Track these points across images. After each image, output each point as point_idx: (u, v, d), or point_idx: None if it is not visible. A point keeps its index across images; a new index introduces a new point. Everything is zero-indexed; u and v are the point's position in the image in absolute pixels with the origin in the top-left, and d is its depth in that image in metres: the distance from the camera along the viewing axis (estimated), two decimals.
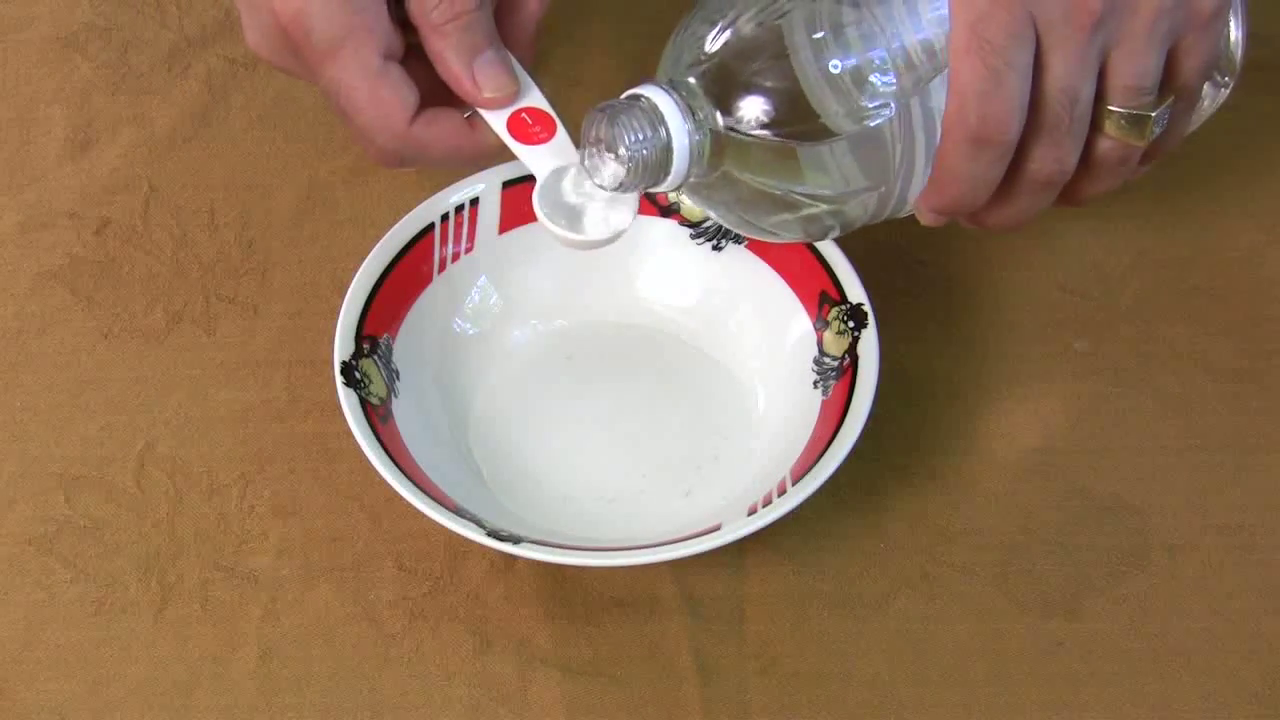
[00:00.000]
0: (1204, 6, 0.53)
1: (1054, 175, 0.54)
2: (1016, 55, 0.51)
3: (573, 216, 0.56)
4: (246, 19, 0.56)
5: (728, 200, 0.56)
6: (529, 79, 0.58)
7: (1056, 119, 0.53)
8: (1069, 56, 0.52)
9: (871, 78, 0.52)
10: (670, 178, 0.53)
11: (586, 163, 0.54)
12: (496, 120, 0.57)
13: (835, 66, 0.52)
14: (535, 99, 0.58)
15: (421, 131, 0.56)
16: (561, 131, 0.57)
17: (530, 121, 0.57)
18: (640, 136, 0.52)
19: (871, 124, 0.52)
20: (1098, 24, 0.51)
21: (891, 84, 0.52)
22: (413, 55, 0.57)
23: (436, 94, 0.57)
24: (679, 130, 0.52)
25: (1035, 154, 0.53)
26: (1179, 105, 0.55)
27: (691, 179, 0.54)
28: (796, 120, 0.52)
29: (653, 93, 0.53)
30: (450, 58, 0.56)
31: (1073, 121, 0.53)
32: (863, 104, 0.52)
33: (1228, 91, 0.61)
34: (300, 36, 0.54)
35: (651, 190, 0.54)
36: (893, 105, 0.52)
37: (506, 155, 0.58)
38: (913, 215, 0.57)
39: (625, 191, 0.54)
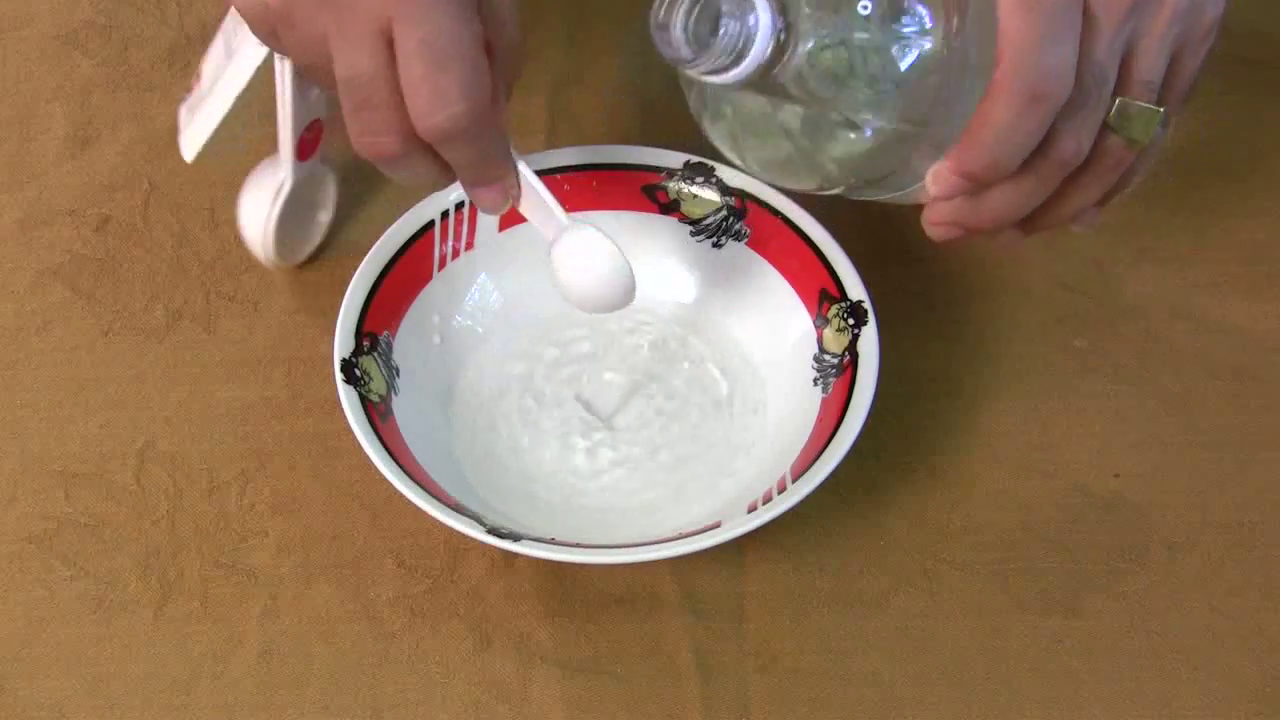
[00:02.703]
0: (1205, 20, 0.54)
1: (1071, 158, 0.54)
2: (1073, 15, 0.52)
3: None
4: None
5: (752, 124, 0.55)
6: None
7: (1087, 95, 0.53)
8: (1107, 33, 0.52)
9: (904, 19, 0.52)
10: (744, 64, 0.52)
11: (659, 31, 0.53)
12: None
13: (865, 8, 0.52)
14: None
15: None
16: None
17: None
18: (732, 7, 0.52)
19: (901, 63, 0.52)
20: (1133, 9, 0.52)
21: (922, 25, 0.52)
22: None
23: None
24: (766, 17, 0.52)
25: (1063, 129, 0.53)
26: (1164, 119, 0.56)
27: (752, 76, 0.53)
28: (830, 49, 0.52)
29: None
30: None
31: (1099, 102, 0.53)
32: (896, 38, 0.52)
33: (1152, 163, 0.62)
34: None
35: (712, 76, 0.53)
36: (926, 43, 0.52)
37: None
38: (917, 222, 0.57)
39: (691, 68, 0.53)
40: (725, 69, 0.53)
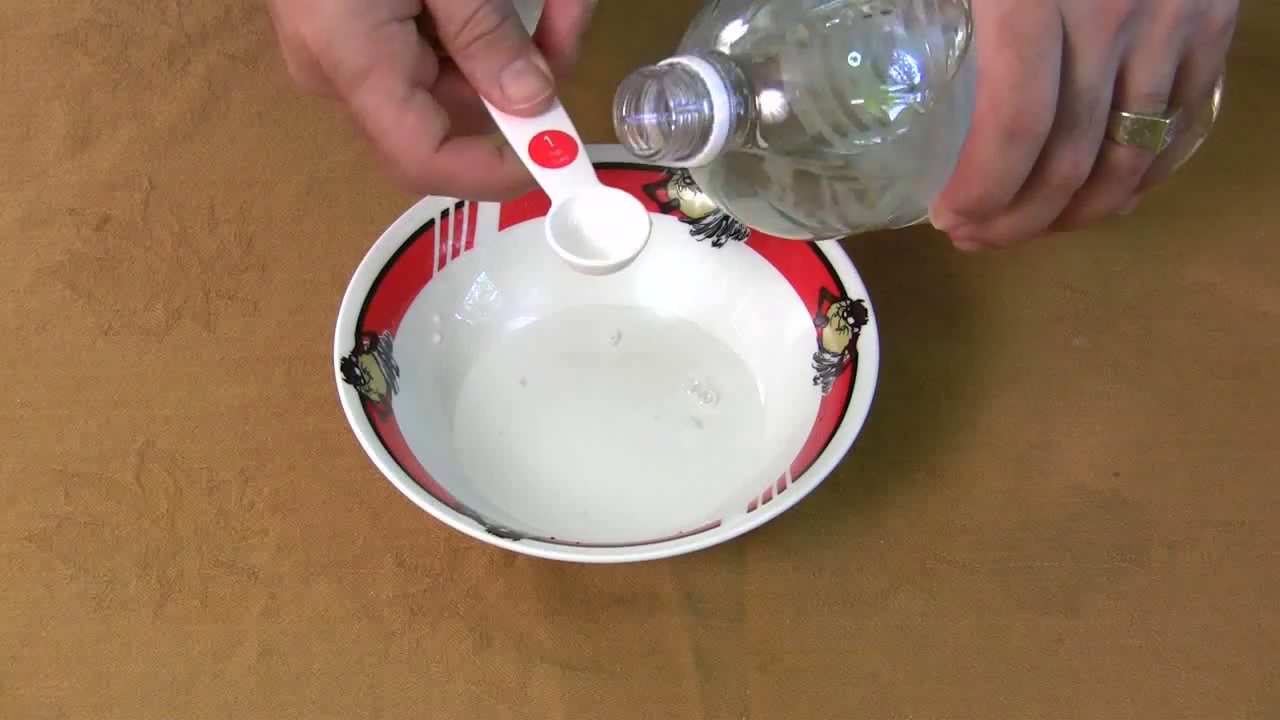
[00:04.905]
0: (1216, 20, 0.54)
1: (1070, 179, 0.54)
2: (1049, 48, 0.51)
3: (585, 242, 0.55)
4: (286, 53, 0.55)
5: (743, 185, 0.55)
6: (556, 101, 0.57)
7: (1077, 118, 0.52)
8: (1094, 56, 0.52)
9: (891, 71, 0.52)
10: (707, 148, 0.52)
11: (621, 127, 0.53)
12: (519, 138, 0.56)
13: (855, 59, 0.51)
14: (559, 121, 0.57)
15: (447, 160, 0.55)
16: (582, 155, 0.56)
17: (552, 145, 0.56)
18: (684, 101, 0.51)
19: (892, 114, 0.52)
20: (1123, 25, 0.52)
21: (911, 78, 0.52)
22: (447, 78, 0.57)
23: (470, 122, 0.57)
24: (721, 100, 0.51)
25: (1056, 154, 0.53)
26: (1181, 121, 0.55)
27: (721, 153, 0.53)
28: (816, 109, 0.52)
29: (693, 62, 0.52)
30: (480, 76, 0.55)
31: (1092, 123, 0.53)
32: (886, 93, 0.52)
33: (1200, 142, 0.61)
34: (331, 67, 0.54)
35: (681, 163, 0.53)
36: (916, 97, 0.52)
37: (533, 188, 0.57)
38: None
39: (658, 160, 0.53)
40: (689, 156, 0.53)
